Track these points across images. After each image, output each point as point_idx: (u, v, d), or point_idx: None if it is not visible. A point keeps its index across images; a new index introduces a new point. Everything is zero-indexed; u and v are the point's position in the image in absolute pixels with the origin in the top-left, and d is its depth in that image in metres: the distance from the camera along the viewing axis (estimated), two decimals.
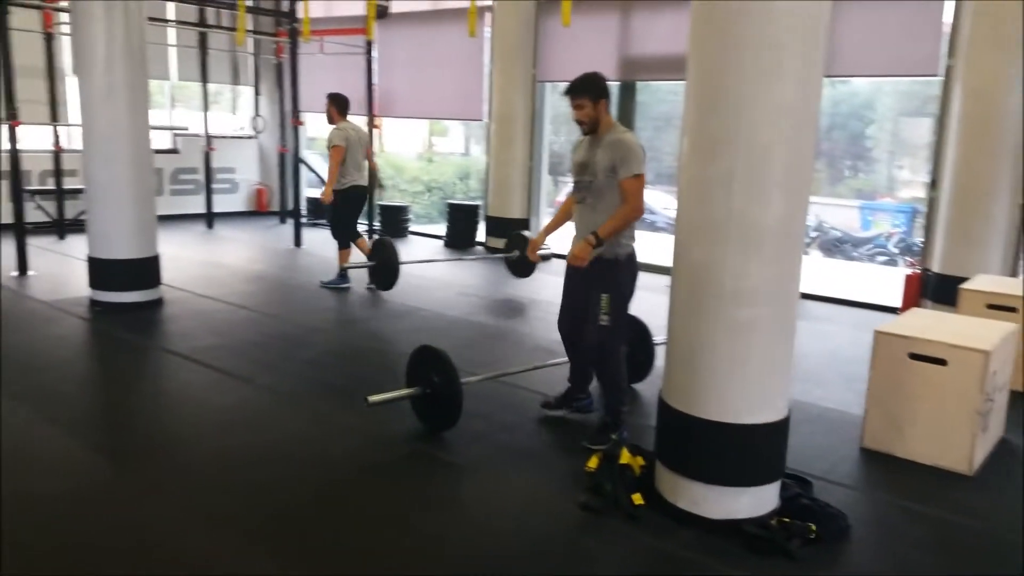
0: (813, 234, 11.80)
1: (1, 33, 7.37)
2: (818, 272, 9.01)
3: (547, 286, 7.47)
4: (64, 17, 9.11)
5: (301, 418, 4.31)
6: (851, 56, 7.28)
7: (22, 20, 8.34)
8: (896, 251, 11.68)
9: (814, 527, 3.04)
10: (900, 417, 3.91)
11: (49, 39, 9.21)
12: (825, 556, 3.00)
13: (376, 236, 6.82)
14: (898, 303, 7.05)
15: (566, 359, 5.10)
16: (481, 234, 10.45)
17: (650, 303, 6.60)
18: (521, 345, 5.86)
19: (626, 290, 3.92)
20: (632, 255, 3.92)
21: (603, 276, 3.85)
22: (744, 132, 2.88)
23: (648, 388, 4.80)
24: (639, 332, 4.83)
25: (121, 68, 6.03)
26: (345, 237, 7.46)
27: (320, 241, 10.32)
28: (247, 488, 3.44)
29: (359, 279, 7.52)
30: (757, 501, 3.14)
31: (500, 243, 9.87)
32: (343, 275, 7.52)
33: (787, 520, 3.09)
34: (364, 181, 7.46)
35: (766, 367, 3.05)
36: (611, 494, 3.33)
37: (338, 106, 7.35)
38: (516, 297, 7.44)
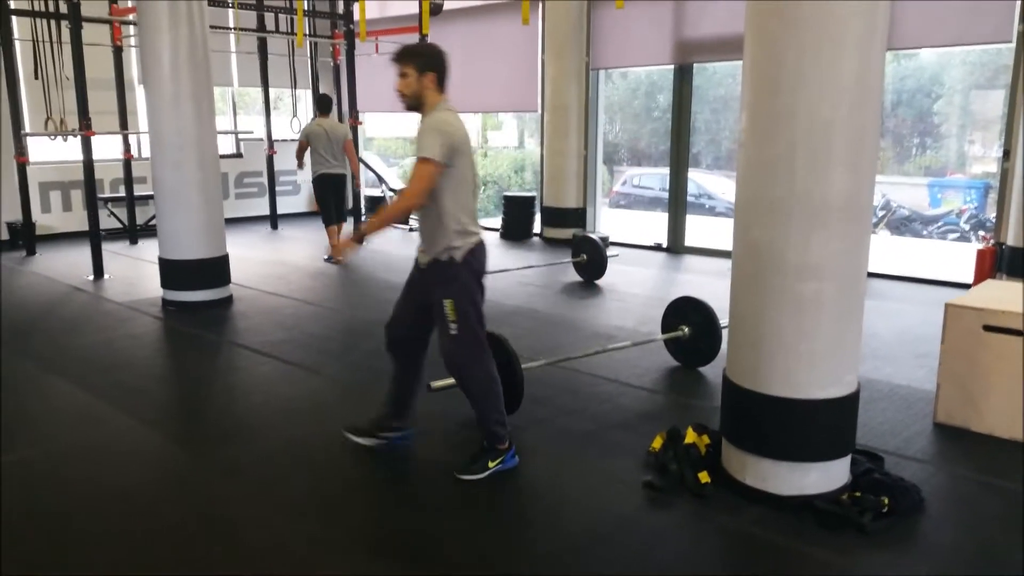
0: (881, 213, 11.47)
1: (75, 48, 7.71)
2: (887, 251, 8.77)
3: (607, 272, 7.45)
4: (132, 30, 9.47)
5: (365, 407, 4.36)
6: (917, 27, 7.05)
7: (93, 35, 8.68)
8: (968, 228, 11.27)
9: (887, 501, 2.97)
10: (974, 391, 3.79)
11: (118, 52, 9.56)
12: (899, 530, 2.93)
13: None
14: (970, 279, 6.81)
15: (628, 343, 5.11)
16: (537, 225, 10.47)
17: (713, 287, 6.55)
18: (580, 331, 5.86)
19: (473, 293, 3.32)
20: (472, 252, 3.29)
21: (442, 280, 3.31)
22: (805, 108, 2.83)
23: (711, 370, 4.76)
24: (704, 316, 4.78)
25: (186, 76, 6.23)
26: (324, 219, 8.69)
27: (379, 237, 10.49)
28: (317, 473, 3.54)
29: None
30: (827, 476, 3.09)
31: (556, 233, 9.92)
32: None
33: (858, 495, 3.03)
34: (329, 170, 8.43)
35: (833, 340, 2.99)
36: (676, 473, 3.32)
37: (316, 105, 8.82)
38: (574, 285, 7.44)
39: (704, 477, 3.24)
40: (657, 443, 3.54)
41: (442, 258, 3.29)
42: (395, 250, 9.64)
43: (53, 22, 8.62)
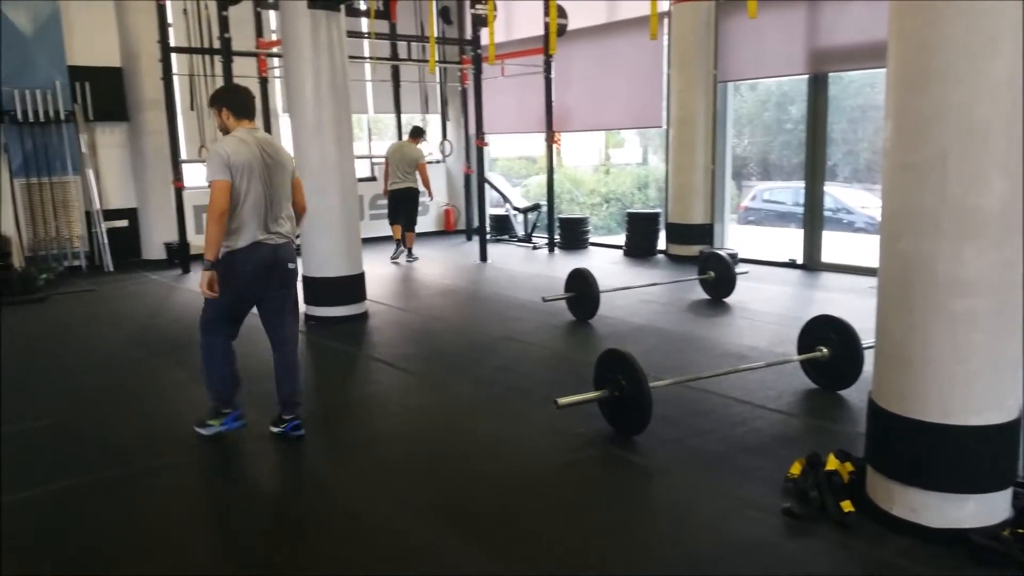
0: None
1: (227, 80, 8.30)
2: None
3: (736, 290, 7.26)
4: (276, 62, 10.10)
5: (493, 419, 4.48)
6: None
7: (241, 68, 9.33)
8: None
9: None
10: None
11: (264, 83, 10.23)
12: None
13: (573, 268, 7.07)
14: None
15: (761, 363, 4.95)
16: (662, 242, 10.34)
17: (853, 305, 6.25)
18: (709, 351, 5.73)
19: (225, 283, 3.91)
20: (234, 252, 3.93)
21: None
22: (957, 110, 2.69)
23: (852, 393, 4.54)
24: (845, 336, 4.55)
25: (328, 106, 6.58)
26: (391, 220, 10.33)
27: (504, 255, 10.66)
28: (447, 480, 3.63)
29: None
30: (984, 509, 2.88)
31: (682, 250, 9.76)
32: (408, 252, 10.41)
33: (1022, 532, 2.80)
34: (398, 185, 10.02)
35: (991, 362, 2.80)
36: (817, 501, 3.18)
37: (410, 133, 10.33)
38: (700, 303, 7.28)
39: (847, 506, 3.09)
40: (796, 469, 3.40)
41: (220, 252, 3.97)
42: (519, 267, 9.77)
43: (207, 57, 9.33)
